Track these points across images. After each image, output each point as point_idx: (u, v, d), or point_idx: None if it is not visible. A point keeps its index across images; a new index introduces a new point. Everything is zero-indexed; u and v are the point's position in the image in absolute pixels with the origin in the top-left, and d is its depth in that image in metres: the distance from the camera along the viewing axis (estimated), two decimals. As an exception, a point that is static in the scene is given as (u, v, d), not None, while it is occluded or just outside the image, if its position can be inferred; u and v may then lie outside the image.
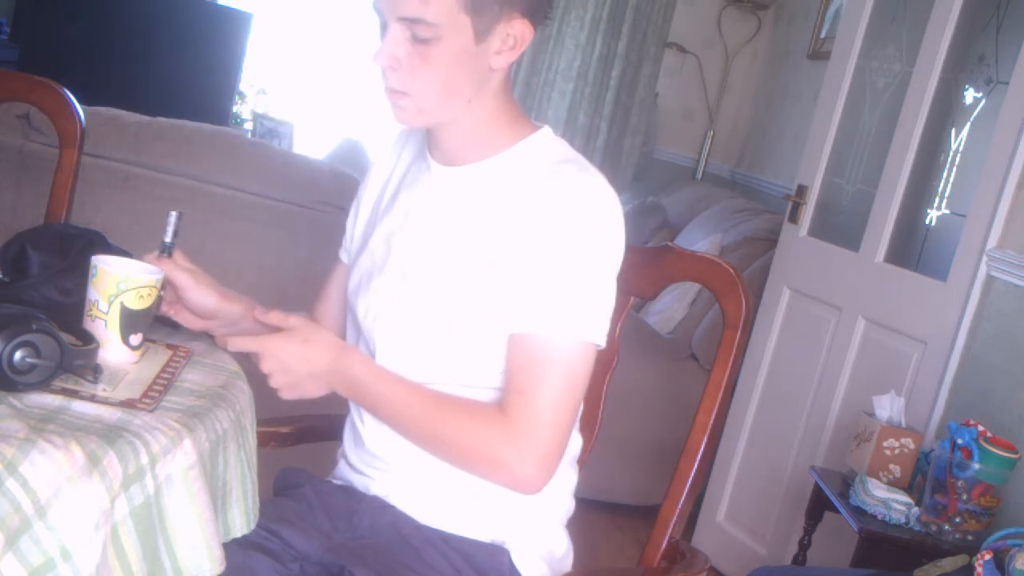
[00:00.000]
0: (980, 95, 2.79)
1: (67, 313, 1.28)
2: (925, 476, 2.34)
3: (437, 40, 1.28)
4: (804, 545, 2.61)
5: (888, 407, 2.46)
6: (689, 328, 3.57)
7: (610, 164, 4.76)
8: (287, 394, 1.35)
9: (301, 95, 5.52)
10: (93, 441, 0.99)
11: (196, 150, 2.57)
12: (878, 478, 2.38)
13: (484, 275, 1.34)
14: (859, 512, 2.30)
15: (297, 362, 1.32)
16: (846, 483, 2.46)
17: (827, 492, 2.45)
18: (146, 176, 2.53)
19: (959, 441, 2.21)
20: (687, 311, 3.63)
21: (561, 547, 1.48)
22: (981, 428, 2.23)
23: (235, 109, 5.01)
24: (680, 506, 1.49)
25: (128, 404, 1.12)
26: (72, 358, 1.12)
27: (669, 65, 4.90)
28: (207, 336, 1.46)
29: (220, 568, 1.13)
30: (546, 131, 1.41)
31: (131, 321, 1.26)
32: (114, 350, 1.26)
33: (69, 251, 1.37)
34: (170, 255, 1.40)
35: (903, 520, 2.27)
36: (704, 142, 4.98)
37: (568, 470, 1.49)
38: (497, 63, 1.33)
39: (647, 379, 3.43)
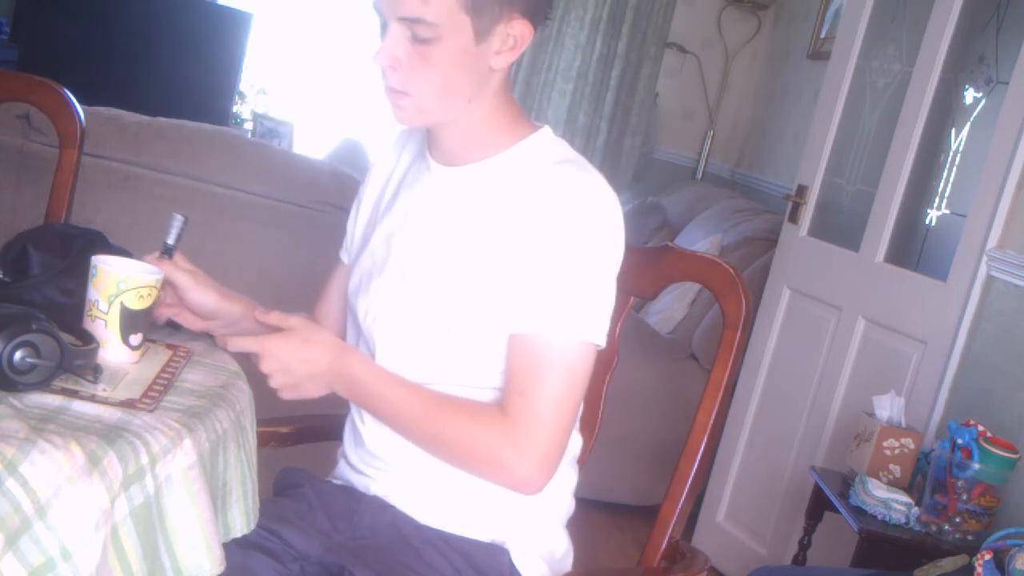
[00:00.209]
0: (980, 95, 2.79)
1: (68, 313, 1.28)
2: (925, 476, 2.34)
3: (437, 40, 1.28)
4: (804, 545, 2.61)
5: (888, 407, 2.46)
6: (689, 328, 3.57)
7: (610, 164, 4.76)
8: (287, 394, 1.35)
9: (301, 95, 5.52)
10: (93, 441, 0.99)
11: (196, 150, 2.57)
12: (878, 478, 2.38)
13: (484, 275, 1.34)
14: (859, 512, 2.30)
15: (297, 362, 1.32)
16: (846, 483, 2.46)
17: (827, 492, 2.45)
18: (146, 176, 2.53)
19: (959, 441, 2.21)
20: (687, 311, 3.63)
21: (561, 547, 1.48)
22: (981, 428, 2.23)
23: (235, 109, 5.01)
24: (680, 506, 1.49)
25: (128, 404, 1.12)
26: (72, 358, 1.12)
27: (669, 65, 4.90)
28: (207, 336, 1.46)
29: (220, 568, 1.12)
30: (546, 131, 1.41)
31: (131, 321, 1.26)
32: (114, 350, 1.26)
33: (70, 251, 1.37)
34: (170, 257, 1.40)
35: (903, 520, 2.27)
36: (704, 142, 4.98)
37: (568, 470, 1.49)
38: (497, 63, 1.33)
39: (647, 379, 3.43)
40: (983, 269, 2.53)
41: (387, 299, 1.42)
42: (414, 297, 1.39)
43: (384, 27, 1.31)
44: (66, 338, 1.13)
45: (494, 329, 1.34)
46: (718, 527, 3.30)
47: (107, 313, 1.25)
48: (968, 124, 2.82)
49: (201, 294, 1.43)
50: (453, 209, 1.39)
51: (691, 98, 5.00)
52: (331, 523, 1.44)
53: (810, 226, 3.17)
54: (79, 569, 0.94)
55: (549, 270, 1.31)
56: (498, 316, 1.33)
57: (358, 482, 1.48)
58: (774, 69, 4.75)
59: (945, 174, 2.88)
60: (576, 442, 1.50)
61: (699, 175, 4.99)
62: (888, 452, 2.40)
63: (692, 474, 1.50)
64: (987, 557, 1.94)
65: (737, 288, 1.50)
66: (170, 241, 1.40)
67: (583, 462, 1.54)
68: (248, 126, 5.11)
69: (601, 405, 1.59)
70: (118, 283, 1.25)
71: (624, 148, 4.83)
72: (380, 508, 1.43)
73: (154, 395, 1.16)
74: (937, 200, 2.90)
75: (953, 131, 2.85)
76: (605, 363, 1.56)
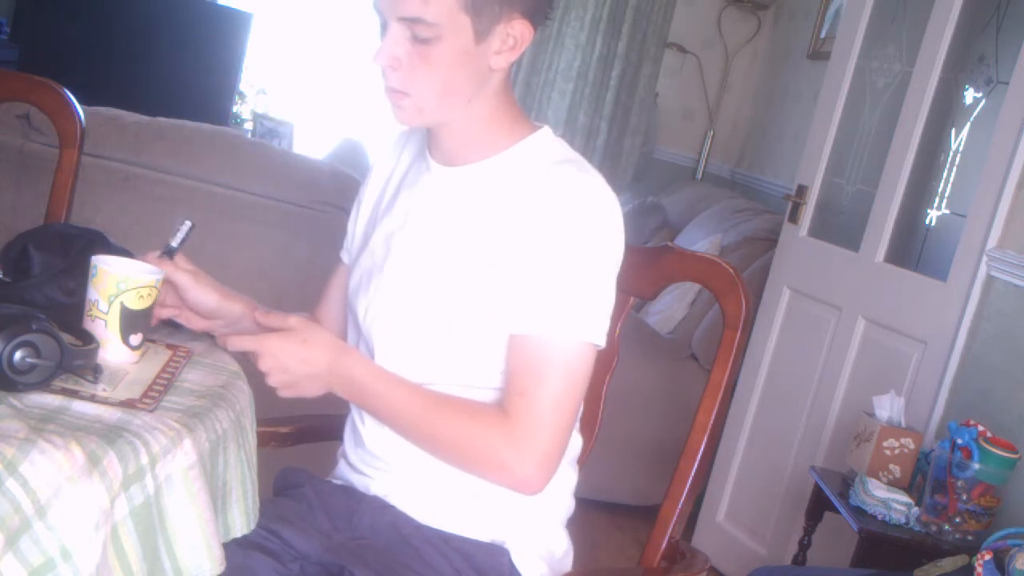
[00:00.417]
0: (980, 95, 2.79)
1: (70, 313, 1.28)
2: (925, 476, 2.34)
3: (437, 40, 1.28)
4: (804, 545, 2.61)
5: (888, 407, 2.46)
6: (689, 328, 3.57)
7: (610, 164, 4.76)
8: (285, 393, 1.34)
9: (301, 95, 5.52)
10: (93, 441, 0.99)
11: (196, 150, 2.57)
12: (878, 478, 2.38)
13: (484, 275, 1.34)
14: (859, 512, 2.30)
15: (295, 362, 1.32)
16: (846, 483, 2.46)
17: (827, 492, 2.45)
18: (146, 176, 2.53)
19: (959, 441, 2.21)
20: (687, 311, 3.63)
21: (561, 547, 1.48)
22: (981, 428, 2.23)
23: (235, 109, 5.01)
24: (680, 506, 1.49)
25: (128, 404, 1.12)
26: (72, 358, 1.12)
27: (669, 65, 4.90)
28: (207, 336, 1.46)
29: (220, 568, 1.12)
30: (546, 131, 1.41)
31: (131, 321, 1.26)
32: (114, 350, 1.26)
33: (70, 251, 1.37)
34: (171, 258, 1.40)
35: (903, 520, 2.27)
36: (704, 142, 4.98)
37: (568, 470, 1.49)
38: (497, 63, 1.33)
39: (647, 379, 3.43)
40: (983, 269, 2.53)
41: (387, 299, 1.42)
42: (414, 297, 1.39)
43: (384, 27, 1.32)
44: (66, 338, 1.13)
45: (494, 329, 1.34)
46: (718, 527, 3.30)
47: (107, 313, 1.25)
48: (968, 124, 2.82)
49: (202, 294, 1.43)
50: (453, 209, 1.39)
51: (691, 98, 5.00)
52: (331, 523, 1.44)
53: (810, 226, 3.17)
54: (79, 569, 0.94)
55: (549, 270, 1.31)
56: (498, 316, 1.33)
57: (358, 482, 1.48)
58: (774, 69, 4.75)
59: (945, 174, 2.88)
60: (576, 442, 1.50)
61: (699, 175, 4.98)
62: (888, 452, 2.40)
63: (692, 474, 1.50)
64: (987, 557, 1.94)
65: (737, 288, 1.50)
66: (174, 244, 1.40)
67: (583, 462, 1.54)
68: (248, 126, 5.11)
69: (601, 405, 1.59)
70: (118, 283, 1.25)
71: (624, 148, 4.83)
72: (380, 508, 1.43)
73: (154, 395, 1.16)
74: (937, 200, 2.90)
75: (953, 131, 2.85)
76: (605, 363, 1.56)
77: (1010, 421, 2.35)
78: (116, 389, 1.16)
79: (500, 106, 1.38)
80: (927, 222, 2.92)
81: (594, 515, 3.32)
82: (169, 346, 1.36)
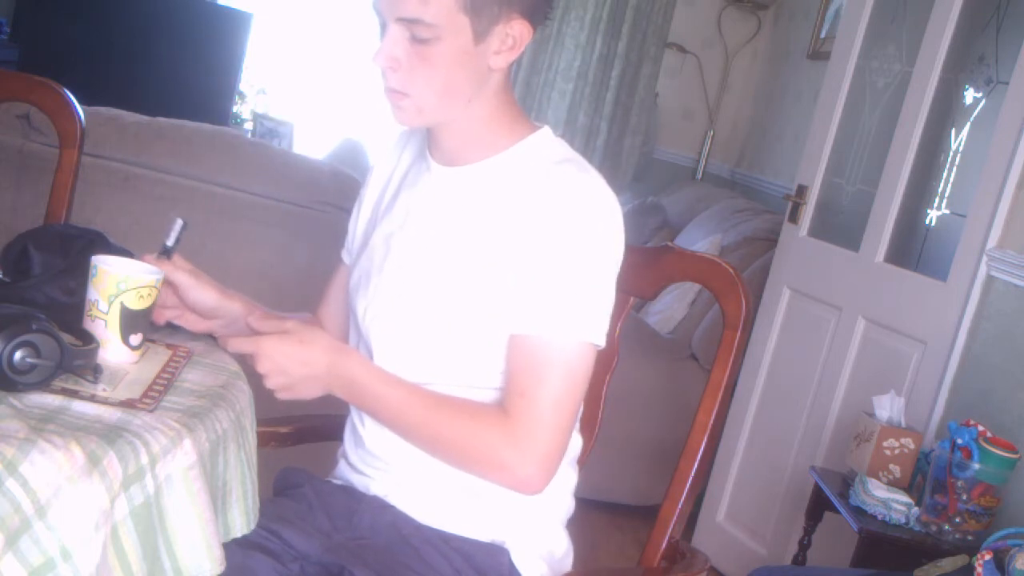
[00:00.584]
0: (980, 95, 2.79)
1: (70, 313, 1.28)
2: (925, 476, 2.34)
3: (436, 40, 1.28)
4: (804, 545, 2.61)
5: (888, 407, 2.46)
6: (689, 328, 3.57)
7: (610, 164, 4.76)
8: (283, 395, 1.33)
9: (301, 95, 5.52)
10: (93, 441, 0.99)
11: (196, 150, 2.57)
12: (878, 478, 2.38)
13: (484, 275, 1.34)
14: (859, 512, 2.30)
15: (293, 364, 1.31)
16: (846, 483, 2.46)
17: (827, 492, 2.45)
18: (146, 176, 2.53)
19: (959, 441, 2.21)
20: (687, 311, 3.63)
21: (561, 547, 1.48)
22: (981, 428, 2.23)
23: (235, 109, 5.01)
24: (680, 506, 1.49)
25: (128, 404, 1.12)
26: (72, 358, 1.12)
27: (669, 65, 4.90)
28: (207, 336, 1.46)
29: (220, 568, 1.12)
30: (545, 131, 1.41)
31: (131, 321, 1.26)
32: (114, 350, 1.26)
33: (70, 251, 1.37)
34: (169, 258, 1.40)
35: (903, 520, 2.27)
36: (704, 142, 4.98)
37: (568, 470, 1.49)
38: (496, 63, 1.33)
39: (647, 379, 3.43)
40: (983, 269, 2.53)
41: (386, 299, 1.42)
42: (413, 297, 1.39)
43: (383, 28, 1.32)
44: (66, 338, 1.13)
45: (493, 329, 1.34)
46: (718, 527, 3.30)
47: (107, 313, 1.25)
48: (968, 124, 2.82)
49: (202, 293, 1.43)
50: (453, 209, 1.39)
51: (691, 98, 5.00)
52: (331, 523, 1.44)
53: (810, 226, 3.17)
54: (79, 569, 0.94)
55: (549, 270, 1.31)
56: (498, 316, 1.33)
57: (358, 482, 1.48)
58: (774, 69, 4.75)
59: (945, 174, 2.88)
60: (576, 442, 1.50)
61: (699, 175, 4.99)
62: (888, 452, 2.40)
63: (692, 474, 1.50)
64: (987, 557, 1.94)
65: (737, 288, 1.50)
66: (169, 243, 1.40)
67: (583, 462, 1.54)
68: (248, 126, 5.11)
69: (601, 405, 1.59)
70: (118, 283, 1.25)
71: (624, 148, 4.83)
72: (380, 508, 1.43)
73: (154, 395, 1.16)
74: (937, 200, 2.90)
75: (953, 131, 2.85)
76: (605, 363, 1.56)
77: (1010, 421, 2.35)
78: (116, 389, 1.16)
79: (500, 106, 1.38)
80: (927, 222, 2.92)
81: (594, 515, 3.32)
82: (169, 346, 1.36)
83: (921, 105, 2.82)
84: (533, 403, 1.30)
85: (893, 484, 2.37)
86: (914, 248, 2.94)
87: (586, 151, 4.65)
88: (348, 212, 1.59)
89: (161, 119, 2.65)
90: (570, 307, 1.31)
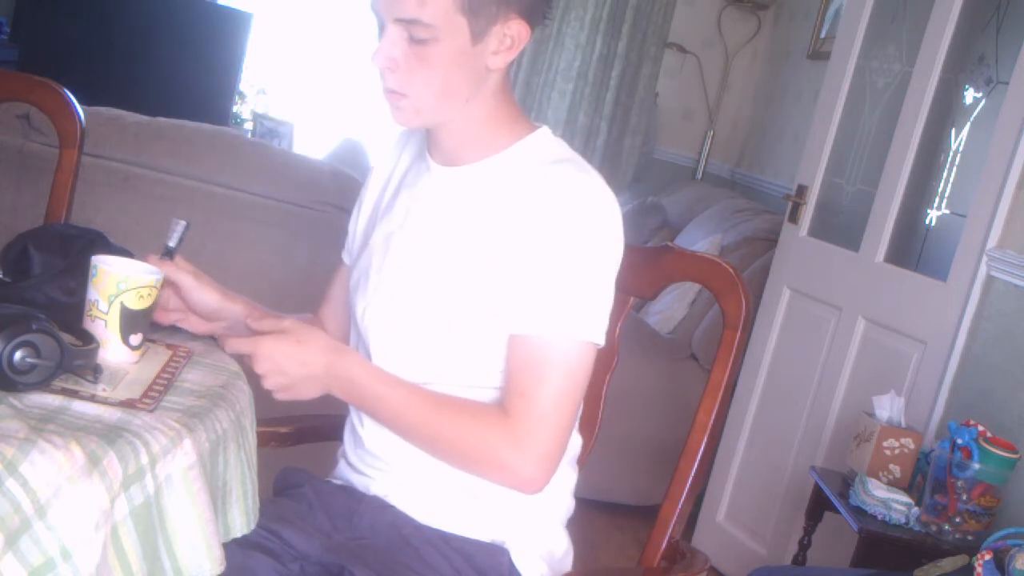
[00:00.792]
0: (980, 95, 2.79)
1: (70, 313, 1.28)
2: (925, 476, 2.34)
3: (434, 41, 1.28)
4: (804, 545, 2.61)
5: (888, 407, 2.46)
6: (689, 328, 3.57)
7: (610, 164, 4.76)
8: (281, 396, 1.33)
9: (301, 95, 5.52)
10: (93, 441, 0.99)
11: (196, 150, 2.57)
12: (878, 478, 2.38)
13: (483, 275, 1.34)
14: (859, 512, 2.30)
15: (291, 364, 1.31)
16: (846, 483, 2.46)
17: (827, 492, 2.45)
18: (146, 176, 2.53)
19: (959, 441, 2.21)
20: (687, 311, 3.63)
21: (561, 547, 1.48)
22: (981, 428, 2.23)
23: (235, 109, 5.01)
24: (680, 506, 1.49)
25: (128, 404, 1.12)
26: (72, 358, 1.12)
27: (669, 65, 4.90)
28: (207, 336, 1.46)
29: (220, 568, 1.12)
30: (544, 131, 1.41)
31: (131, 321, 1.26)
32: (114, 350, 1.26)
33: (70, 251, 1.37)
34: (172, 259, 1.40)
35: (903, 520, 2.27)
36: (704, 142, 4.98)
37: (568, 470, 1.49)
38: (494, 63, 1.33)
39: (647, 379, 3.43)
40: (983, 269, 2.53)
41: (385, 298, 1.42)
42: (412, 296, 1.39)
43: (381, 28, 1.32)
44: (66, 338, 1.13)
45: (493, 329, 1.34)
46: (718, 527, 3.30)
47: (107, 313, 1.25)
48: (968, 124, 2.82)
49: (204, 294, 1.43)
50: (452, 209, 1.39)
51: (691, 98, 5.00)
52: (331, 523, 1.44)
53: (810, 226, 3.17)
54: (79, 569, 0.94)
55: (548, 270, 1.31)
56: (497, 316, 1.33)
57: (358, 482, 1.48)
58: (774, 69, 4.75)
59: (945, 174, 2.88)
60: (576, 442, 1.50)
61: (699, 175, 4.99)
62: (888, 452, 2.40)
63: (692, 474, 1.50)
64: (987, 557, 1.94)
65: (737, 288, 1.50)
66: (171, 244, 1.40)
67: (583, 462, 1.54)
68: (248, 126, 5.11)
69: (601, 405, 1.59)
70: (118, 283, 1.25)
71: (624, 148, 4.83)
72: (380, 508, 1.43)
73: (154, 395, 1.16)
74: (937, 200, 2.90)
75: (953, 131, 2.85)
76: (605, 363, 1.56)
77: (1010, 421, 2.36)
78: (116, 389, 1.16)
79: (499, 106, 1.38)
80: (927, 222, 2.92)
81: (594, 515, 3.32)
82: (169, 346, 1.36)
83: (921, 105, 2.82)
84: (533, 403, 1.30)
85: (893, 484, 2.37)
86: (914, 248, 2.94)
87: (586, 151, 4.65)
88: (348, 212, 1.59)
89: (161, 119, 2.65)
90: (569, 306, 1.31)
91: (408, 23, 1.28)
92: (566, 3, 4.63)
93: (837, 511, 2.40)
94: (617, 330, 1.57)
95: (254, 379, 1.33)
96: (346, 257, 1.59)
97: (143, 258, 1.36)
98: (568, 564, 1.50)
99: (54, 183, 1.84)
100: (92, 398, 1.11)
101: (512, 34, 1.32)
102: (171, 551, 1.07)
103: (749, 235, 3.74)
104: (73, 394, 1.11)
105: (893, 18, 3.08)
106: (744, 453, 3.26)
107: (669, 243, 1.62)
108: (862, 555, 2.26)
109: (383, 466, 1.45)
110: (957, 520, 2.21)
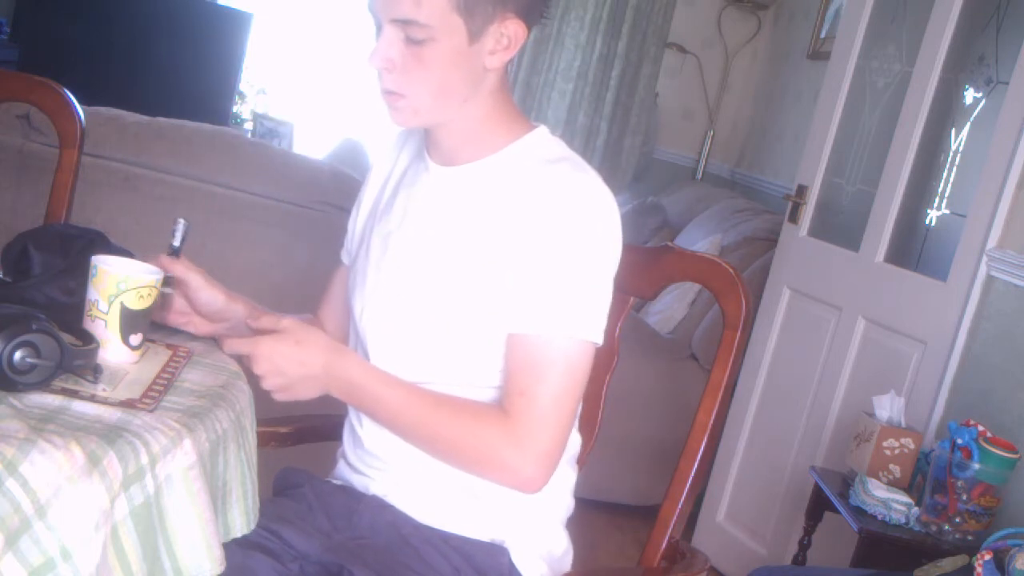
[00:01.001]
0: (980, 95, 2.79)
1: (70, 313, 1.28)
2: (925, 476, 2.34)
3: (431, 41, 1.28)
4: (804, 545, 2.61)
5: (888, 407, 2.46)
6: (689, 328, 3.57)
7: (610, 164, 4.76)
8: (280, 396, 1.33)
9: (301, 95, 5.52)
10: (93, 441, 0.99)
11: (196, 150, 2.57)
12: (878, 478, 2.38)
13: (481, 274, 1.34)
14: (859, 512, 2.30)
15: (290, 364, 1.30)
16: (846, 483, 2.46)
17: (827, 492, 2.45)
18: (146, 176, 2.53)
19: (959, 441, 2.21)
20: (687, 311, 3.63)
21: (561, 547, 1.48)
22: (981, 428, 2.23)
23: (235, 109, 5.02)
24: (680, 506, 1.49)
25: (128, 404, 1.12)
26: (72, 358, 1.12)
27: (669, 65, 4.90)
28: (209, 337, 1.46)
29: (220, 568, 1.12)
30: (542, 130, 1.41)
31: (131, 321, 1.26)
32: (114, 350, 1.26)
33: (70, 251, 1.37)
34: (177, 259, 1.40)
35: (903, 520, 2.27)
36: (704, 142, 4.98)
37: (567, 469, 1.49)
38: (491, 63, 1.33)
39: (647, 379, 3.43)
40: (983, 269, 2.53)
41: (383, 298, 1.42)
42: (410, 296, 1.39)
43: (378, 29, 1.32)
44: (66, 338, 1.13)
45: (492, 328, 1.34)
46: (718, 527, 3.30)
47: (107, 313, 1.25)
48: (968, 124, 2.82)
49: (211, 293, 1.43)
50: (451, 209, 1.39)
51: (691, 98, 5.00)
52: (331, 523, 1.45)
53: (810, 226, 3.17)
54: (79, 569, 0.94)
55: (546, 269, 1.31)
56: (496, 315, 1.33)
57: (357, 482, 1.48)
58: (774, 69, 4.75)
59: (945, 174, 2.88)
60: (575, 441, 1.50)
61: (699, 175, 4.98)
62: (888, 452, 2.40)
63: (692, 474, 1.50)
64: (987, 557, 1.94)
65: (737, 288, 1.50)
66: (176, 243, 1.41)
67: (583, 462, 1.54)
68: (248, 126, 5.11)
69: (601, 405, 1.59)
70: (118, 283, 1.25)
71: (624, 148, 4.83)
72: (379, 508, 1.43)
73: (154, 395, 1.16)
74: (937, 200, 2.90)
75: (953, 131, 2.85)
76: (605, 363, 1.56)
77: (1010, 421, 2.36)
78: (116, 389, 1.16)
79: (496, 105, 1.38)
80: (927, 222, 2.92)
81: (594, 515, 3.32)
82: (169, 346, 1.36)
83: (921, 105, 2.82)
84: (533, 402, 1.30)
85: (893, 484, 2.37)
86: (914, 248, 2.94)
87: (586, 151, 4.65)
88: (348, 212, 1.59)
89: (161, 119, 2.65)
90: (568, 305, 1.31)
91: (404, 23, 1.28)
92: (566, 3, 4.63)
93: (837, 511, 2.40)
94: (617, 330, 1.57)
95: (254, 379, 1.33)
96: (345, 257, 1.59)
97: (152, 259, 1.36)
98: (568, 564, 1.50)
99: (54, 183, 1.84)
100: (92, 398, 1.11)
101: (509, 34, 1.32)
102: (171, 551, 1.07)
103: (749, 235, 3.74)
104: (73, 394, 1.11)
105: (893, 18, 3.08)
106: (744, 453, 3.26)
107: (669, 243, 1.62)
108: (862, 555, 2.26)
109: (382, 466, 1.45)
110: (957, 520, 2.21)
